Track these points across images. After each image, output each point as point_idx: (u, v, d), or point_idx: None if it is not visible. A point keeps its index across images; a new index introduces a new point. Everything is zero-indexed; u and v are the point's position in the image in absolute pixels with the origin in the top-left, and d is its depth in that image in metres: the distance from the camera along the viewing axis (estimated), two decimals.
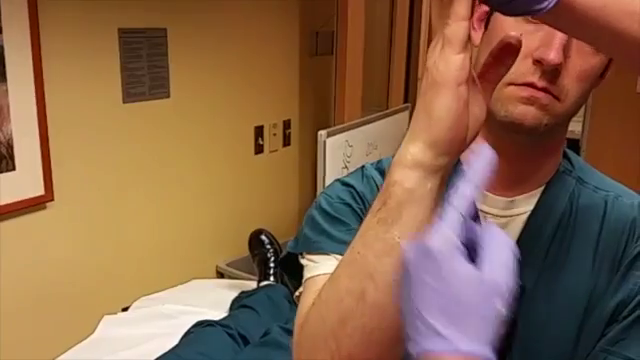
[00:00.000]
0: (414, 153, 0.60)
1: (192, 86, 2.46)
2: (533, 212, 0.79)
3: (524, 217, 0.79)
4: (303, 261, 0.83)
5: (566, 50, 0.69)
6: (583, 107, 2.67)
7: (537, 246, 0.78)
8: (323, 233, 0.82)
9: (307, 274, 0.80)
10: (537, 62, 0.69)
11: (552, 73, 0.69)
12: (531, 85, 0.70)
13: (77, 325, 2.07)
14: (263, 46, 2.76)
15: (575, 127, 2.91)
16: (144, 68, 2.28)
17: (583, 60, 0.71)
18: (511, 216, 0.80)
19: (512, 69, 0.68)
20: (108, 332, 2.03)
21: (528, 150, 0.77)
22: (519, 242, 0.77)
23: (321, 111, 3.09)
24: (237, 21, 2.61)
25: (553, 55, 0.68)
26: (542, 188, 0.80)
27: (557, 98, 0.71)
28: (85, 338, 2.02)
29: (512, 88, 0.72)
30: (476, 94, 0.61)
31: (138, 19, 2.23)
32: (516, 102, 0.71)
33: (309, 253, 0.82)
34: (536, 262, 0.77)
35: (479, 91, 0.61)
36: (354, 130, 2.52)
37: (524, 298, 0.75)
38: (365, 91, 3.14)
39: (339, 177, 0.91)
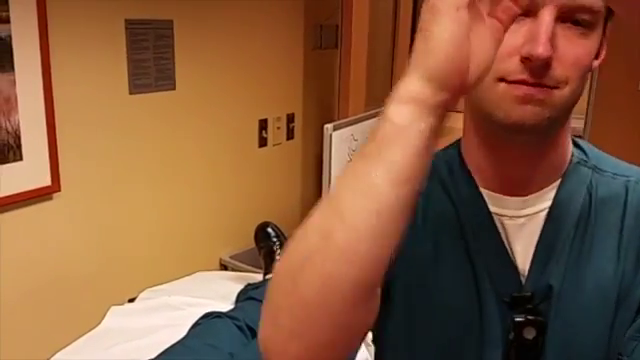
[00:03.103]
0: (409, 87, 0.55)
1: (197, 78, 2.46)
2: (551, 208, 0.76)
3: (543, 215, 0.76)
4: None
5: (553, 40, 0.65)
6: (585, 104, 2.68)
7: (559, 243, 0.75)
8: None
9: None
10: (526, 59, 0.66)
11: (543, 67, 0.66)
12: (523, 82, 0.67)
13: (84, 315, 2.08)
14: (267, 39, 2.76)
15: (577, 124, 2.92)
16: (150, 60, 2.27)
17: (573, 45, 0.67)
18: (528, 215, 0.77)
19: (501, 66, 0.66)
20: (115, 323, 2.04)
21: (534, 147, 0.74)
22: (541, 241, 0.75)
23: (325, 105, 3.09)
24: (242, 14, 2.61)
25: (542, 49, 0.64)
26: (557, 182, 0.77)
27: (555, 88, 0.68)
28: (92, 328, 2.03)
29: (504, 86, 0.68)
30: (482, 28, 0.56)
31: (145, 10, 2.23)
32: (511, 102, 0.68)
33: None
34: (560, 259, 0.74)
35: (487, 27, 0.56)
36: (359, 124, 2.52)
37: (553, 299, 0.74)
38: (368, 85, 3.14)
39: None
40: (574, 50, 0.67)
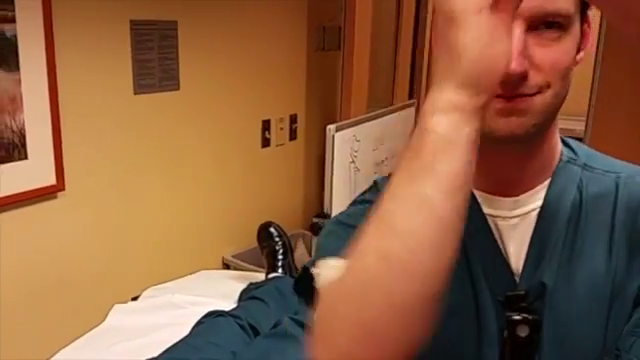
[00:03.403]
0: (446, 97, 0.55)
1: (201, 79, 2.48)
2: (542, 208, 0.76)
3: (534, 214, 0.76)
4: (315, 270, 0.72)
5: (526, 51, 0.65)
6: (587, 107, 2.68)
7: (552, 241, 0.75)
8: (342, 240, 0.67)
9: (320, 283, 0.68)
10: None
11: (519, 80, 0.65)
12: (501, 96, 0.66)
13: (87, 313, 2.09)
14: (271, 41, 2.77)
15: (578, 126, 2.92)
16: (155, 60, 2.29)
17: (548, 50, 0.67)
18: (520, 215, 0.77)
19: None
20: (119, 321, 2.05)
21: (522, 150, 0.74)
22: (533, 240, 0.76)
23: (327, 106, 3.11)
24: (246, 15, 2.62)
25: (514, 65, 0.63)
26: (548, 182, 0.77)
27: (536, 94, 0.67)
28: (96, 326, 2.04)
29: None
30: (496, 27, 0.55)
31: (149, 11, 2.25)
32: (494, 116, 0.67)
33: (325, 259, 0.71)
34: (553, 257, 0.75)
35: (498, 19, 0.56)
36: (362, 125, 2.54)
37: (547, 297, 0.74)
38: (371, 86, 3.15)
39: (354, 198, 0.87)
40: (550, 55, 0.67)
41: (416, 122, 0.58)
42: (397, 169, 0.58)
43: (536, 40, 0.66)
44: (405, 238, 0.55)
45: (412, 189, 0.56)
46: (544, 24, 0.66)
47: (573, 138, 0.85)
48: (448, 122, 0.55)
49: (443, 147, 0.55)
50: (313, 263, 0.79)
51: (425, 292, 0.56)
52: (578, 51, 0.71)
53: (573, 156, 0.80)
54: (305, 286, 0.80)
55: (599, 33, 2.46)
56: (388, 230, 0.56)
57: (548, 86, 0.68)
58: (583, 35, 0.71)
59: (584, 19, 0.71)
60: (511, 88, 0.66)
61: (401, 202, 0.56)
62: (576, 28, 0.69)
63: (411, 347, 0.58)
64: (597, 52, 2.51)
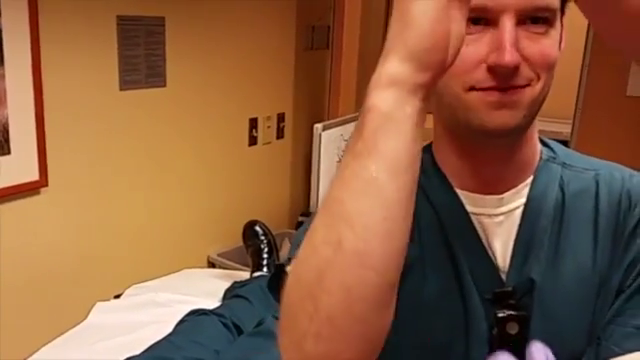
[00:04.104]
0: (389, 70, 0.53)
1: (188, 76, 2.46)
2: (526, 205, 0.77)
3: (519, 212, 0.77)
4: (289, 268, 0.73)
5: (517, 44, 0.66)
6: (573, 109, 2.70)
7: (537, 238, 0.76)
8: None
9: None
10: (493, 68, 0.66)
11: (512, 72, 0.66)
12: (494, 89, 0.67)
13: (69, 311, 2.07)
14: (259, 39, 2.76)
15: (564, 129, 2.94)
16: (141, 56, 2.27)
17: (536, 43, 0.67)
18: (504, 213, 0.78)
19: (469, 76, 0.67)
20: (101, 319, 2.03)
21: (507, 146, 0.75)
22: (519, 237, 0.77)
23: (315, 105, 3.10)
24: (234, 13, 2.61)
25: (508, 57, 0.64)
26: (530, 180, 0.78)
27: (526, 86, 0.68)
28: (78, 324, 2.02)
29: (476, 94, 0.68)
30: (452, 7, 0.54)
31: (136, 7, 2.23)
32: (486, 109, 0.68)
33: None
34: (539, 254, 0.76)
35: (454, 5, 0.54)
36: (349, 124, 2.54)
37: (534, 293, 0.75)
38: (359, 86, 3.15)
39: None
40: (539, 47, 0.68)
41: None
42: (346, 148, 0.56)
43: (525, 34, 0.67)
44: (355, 224, 0.53)
45: (357, 171, 0.53)
46: (530, 19, 0.67)
47: (559, 141, 0.87)
48: (389, 98, 0.53)
49: (384, 125, 0.53)
50: (289, 260, 0.78)
51: (383, 279, 0.54)
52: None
53: (552, 155, 0.81)
54: (278, 284, 0.80)
55: (587, 36, 2.48)
56: (337, 218, 0.54)
57: (538, 78, 0.69)
58: (560, 34, 0.72)
59: (562, 18, 0.72)
60: (504, 80, 0.67)
61: (347, 185, 0.54)
62: (558, 25, 0.70)
63: (376, 338, 0.57)
64: (584, 55, 2.53)
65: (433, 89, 0.55)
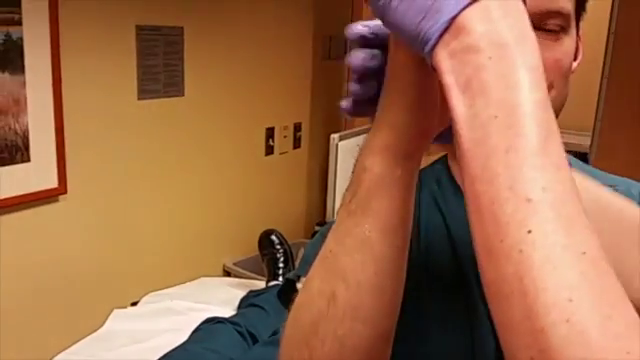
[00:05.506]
0: (382, 136, 0.55)
1: (206, 85, 2.48)
2: None
3: None
4: (299, 285, 0.75)
5: None
6: (592, 121, 2.67)
7: None
8: None
9: None
10: None
11: None
12: None
13: (86, 317, 2.08)
14: (277, 49, 2.78)
15: (584, 141, 2.91)
16: (159, 66, 2.29)
17: (550, 50, 0.65)
18: None
19: None
20: (118, 326, 2.04)
21: None
22: None
23: (332, 115, 3.11)
24: (252, 23, 2.63)
25: None
26: None
27: None
28: (95, 331, 2.04)
29: None
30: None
31: (156, 17, 2.25)
32: None
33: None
34: None
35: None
36: (365, 135, 2.53)
37: None
38: None
39: None
40: (552, 54, 0.66)
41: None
42: (339, 210, 0.58)
43: (537, 40, 0.66)
44: (348, 279, 0.55)
45: (350, 228, 0.56)
46: (543, 25, 0.66)
47: (579, 154, 0.85)
48: (382, 162, 0.54)
49: (376, 186, 0.55)
50: (297, 273, 0.80)
51: (375, 332, 0.56)
52: (574, 59, 0.71)
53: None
54: (288, 298, 0.80)
55: (606, 48, 2.46)
56: (332, 272, 0.57)
57: (552, 86, 0.67)
58: (577, 45, 0.71)
59: (578, 29, 0.70)
60: None
61: (342, 241, 0.57)
62: (573, 34, 0.69)
63: None
64: (603, 67, 2.51)
65: (425, 149, 0.56)
